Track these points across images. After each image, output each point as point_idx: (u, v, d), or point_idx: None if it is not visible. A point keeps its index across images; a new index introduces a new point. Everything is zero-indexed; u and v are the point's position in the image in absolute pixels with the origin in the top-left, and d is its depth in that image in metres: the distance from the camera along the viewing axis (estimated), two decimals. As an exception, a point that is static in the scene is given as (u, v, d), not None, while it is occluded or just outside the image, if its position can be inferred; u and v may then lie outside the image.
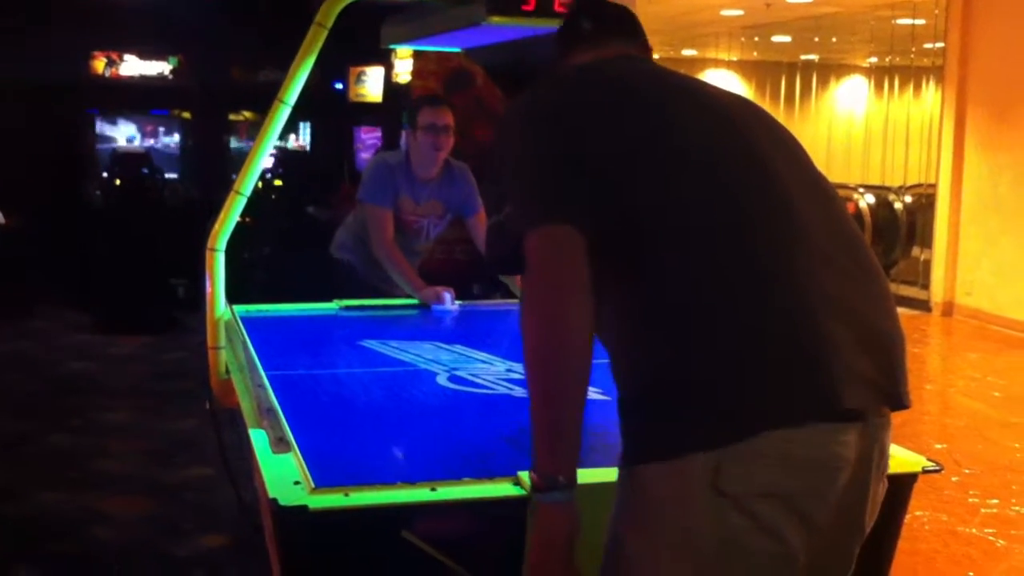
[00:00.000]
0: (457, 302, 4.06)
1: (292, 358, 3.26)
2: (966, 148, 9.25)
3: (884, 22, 12.85)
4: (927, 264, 9.75)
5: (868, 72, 17.65)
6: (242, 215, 3.60)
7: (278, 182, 9.98)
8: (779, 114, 17.26)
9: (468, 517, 2.00)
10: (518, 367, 3.04)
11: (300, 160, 11.03)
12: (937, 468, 2.23)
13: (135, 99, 11.02)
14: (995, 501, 4.52)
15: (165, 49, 11.06)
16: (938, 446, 5.27)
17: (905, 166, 11.88)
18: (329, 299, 4.07)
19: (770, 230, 1.66)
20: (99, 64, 10.95)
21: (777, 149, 1.79)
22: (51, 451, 5.09)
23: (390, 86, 10.44)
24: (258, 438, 2.31)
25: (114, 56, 10.95)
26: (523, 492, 1.93)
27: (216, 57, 11.29)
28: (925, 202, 10.29)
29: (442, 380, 2.94)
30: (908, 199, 10.90)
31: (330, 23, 3.45)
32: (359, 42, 5.35)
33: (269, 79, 10.36)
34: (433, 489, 1.98)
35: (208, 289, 3.51)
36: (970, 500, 4.52)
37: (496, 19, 3.03)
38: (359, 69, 11.83)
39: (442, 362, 3.14)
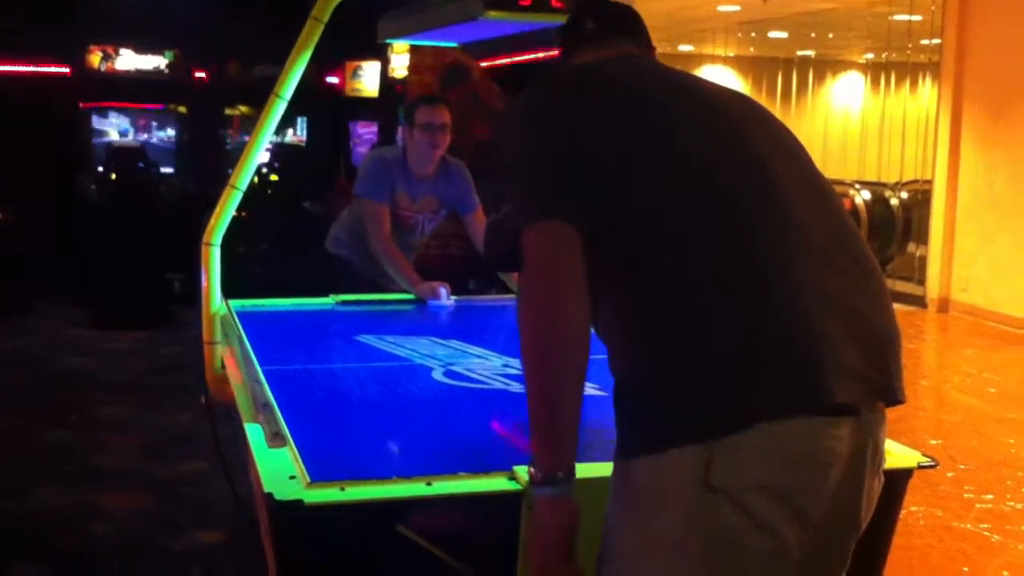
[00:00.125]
0: (453, 297, 4.06)
1: (288, 353, 3.26)
2: (962, 144, 9.26)
3: (881, 18, 12.86)
4: (923, 260, 9.76)
5: (864, 68, 17.67)
6: (238, 210, 3.59)
7: (274, 177, 9.96)
8: (775, 110, 17.27)
9: (463, 512, 2.00)
10: (514, 362, 3.04)
11: (296, 155, 11.01)
12: (932, 464, 2.24)
13: (131, 93, 10.99)
14: (990, 497, 4.53)
15: (161, 43, 11.04)
16: (933, 442, 5.28)
17: (901, 162, 11.89)
18: (325, 294, 4.07)
19: (767, 229, 1.66)
20: (95, 58, 10.92)
21: (776, 147, 1.80)
22: (48, 447, 5.09)
23: (386, 81, 10.43)
24: (254, 433, 2.31)
25: (110, 50, 10.92)
26: (518, 487, 1.93)
27: (212, 51, 11.28)
28: (921, 198, 10.30)
29: (438, 375, 2.94)
30: (904, 195, 10.91)
31: (326, 17, 3.45)
32: (355, 37, 5.34)
33: (265, 74, 10.34)
34: (429, 484, 1.98)
35: (204, 284, 3.51)
36: (965, 496, 4.53)
37: (493, 14, 3.03)
38: (355, 64, 11.82)
39: (438, 357, 3.14)
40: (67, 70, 10.90)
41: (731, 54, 17.54)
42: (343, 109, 11.87)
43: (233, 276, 3.67)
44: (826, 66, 18.01)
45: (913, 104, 13.11)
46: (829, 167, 15.19)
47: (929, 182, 9.81)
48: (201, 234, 3.52)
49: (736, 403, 1.56)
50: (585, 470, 1.73)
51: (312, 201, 9.45)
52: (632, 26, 2.01)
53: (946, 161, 9.36)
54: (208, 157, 11.23)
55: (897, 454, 2.20)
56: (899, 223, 10.68)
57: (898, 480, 2.16)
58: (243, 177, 3.54)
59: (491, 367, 3.02)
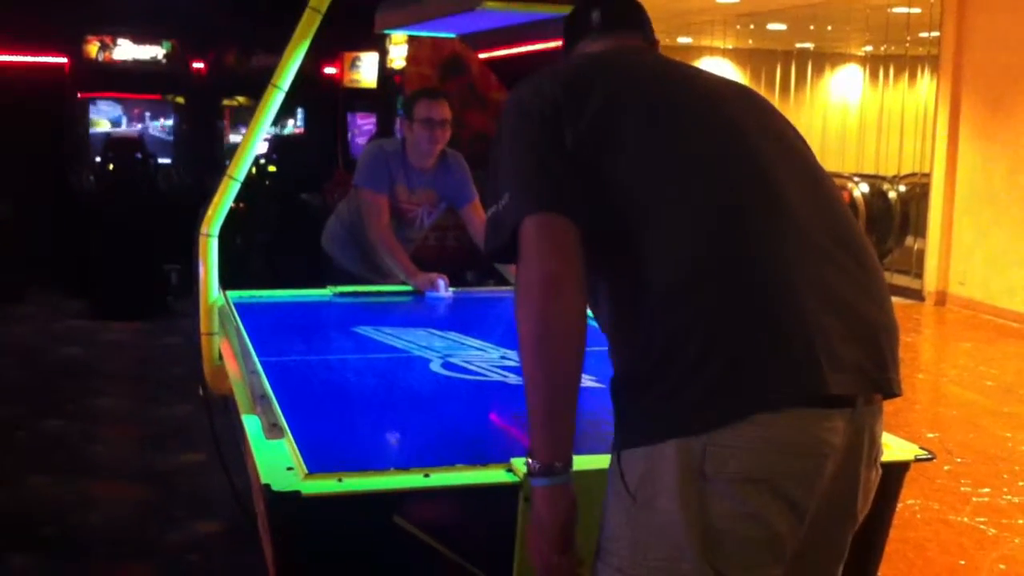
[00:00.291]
0: (451, 289, 4.06)
1: (286, 344, 3.26)
2: (960, 138, 9.26)
3: (879, 11, 12.84)
4: (921, 253, 9.76)
5: (863, 61, 17.64)
6: (236, 201, 3.59)
7: (272, 168, 9.93)
8: (774, 103, 17.25)
9: (461, 503, 2.00)
10: (512, 354, 3.04)
11: (294, 146, 10.98)
12: (929, 457, 2.24)
13: (128, 83, 10.95)
14: (986, 490, 4.54)
15: (159, 33, 11.00)
16: (930, 435, 5.29)
17: (899, 155, 11.89)
18: (323, 285, 4.07)
19: (762, 222, 1.66)
20: (92, 48, 10.88)
21: (775, 141, 1.80)
22: (44, 437, 5.09)
23: (384, 72, 10.40)
24: (251, 424, 2.30)
25: (107, 40, 10.89)
26: (516, 478, 1.93)
27: (210, 42, 11.25)
28: (919, 191, 10.30)
29: (435, 367, 2.94)
30: (902, 188, 10.91)
31: (324, 8, 3.44)
32: (353, 28, 5.33)
33: (263, 64, 10.31)
34: (426, 475, 1.98)
35: (201, 275, 3.50)
36: (962, 489, 4.53)
37: (491, 4, 3.02)
38: (353, 55, 11.78)
39: (436, 349, 3.14)
40: (64, 60, 10.86)
41: (730, 46, 17.52)
42: (341, 100, 11.84)
43: (231, 267, 3.66)
44: (825, 59, 17.99)
45: (911, 97, 13.09)
46: (827, 160, 15.16)
47: (927, 175, 9.81)
48: (199, 225, 3.51)
49: (730, 395, 1.56)
50: (583, 462, 1.73)
51: (310, 192, 9.43)
52: (637, 19, 2.02)
53: (944, 154, 9.36)
54: (206, 148, 11.20)
55: (894, 447, 2.20)
56: (897, 216, 10.68)
57: (895, 473, 2.16)
58: (241, 168, 3.54)
59: (489, 359, 3.02)
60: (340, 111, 11.86)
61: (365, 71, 11.76)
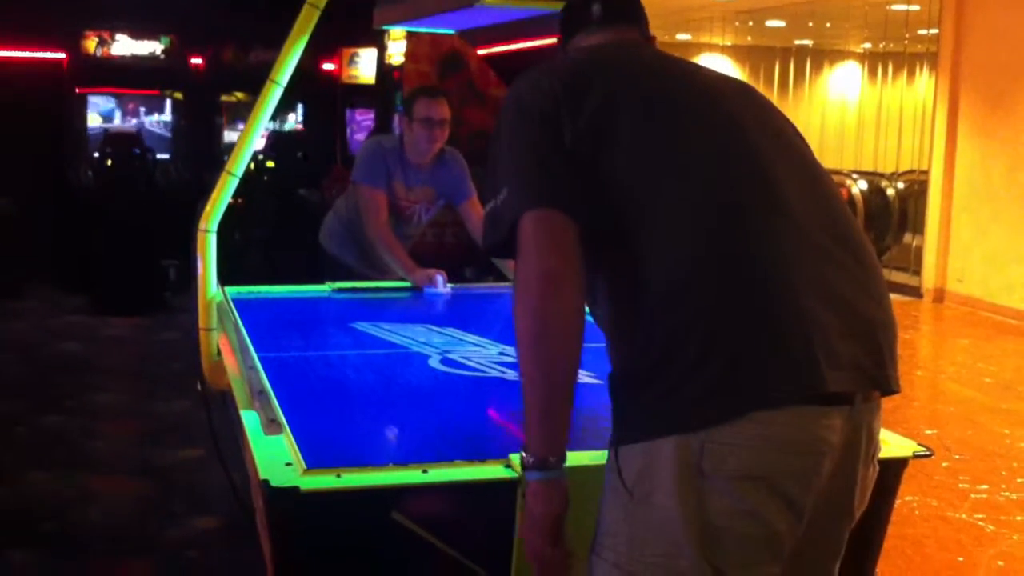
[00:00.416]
0: (449, 285, 4.06)
1: (284, 340, 3.26)
2: (959, 135, 9.26)
3: (878, 8, 12.83)
4: (919, 250, 9.76)
5: (862, 58, 17.64)
6: (234, 196, 3.58)
7: (270, 164, 9.93)
8: (772, 100, 17.22)
9: (459, 499, 2.01)
10: (510, 350, 3.04)
11: (292, 141, 10.98)
12: (927, 453, 2.24)
13: (127, 79, 10.95)
14: (985, 487, 4.54)
15: (157, 28, 10.99)
16: (928, 432, 5.29)
17: (898, 152, 11.89)
18: (321, 281, 4.07)
19: (760, 219, 1.66)
20: (91, 43, 10.88)
21: (773, 138, 1.80)
22: (43, 433, 5.08)
23: (383, 68, 10.39)
24: (250, 420, 2.30)
25: (106, 35, 10.88)
26: (514, 474, 1.93)
27: (208, 37, 11.24)
28: (918, 188, 10.30)
29: (434, 363, 2.94)
30: (900, 185, 10.91)
31: (323, 3, 3.43)
32: (352, 23, 5.33)
33: (261, 60, 10.31)
34: (424, 471, 1.98)
35: (199, 270, 3.50)
36: (960, 486, 4.54)
37: (490, 0, 3.02)
38: (352, 51, 11.77)
39: (434, 345, 3.14)
40: (62, 55, 10.85)
41: (728, 43, 17.51)
42: (340, 96, 11.84)
43: (229, 263, 3.66)
44: (823, 56, 17.98)
45: (910, 94, 13.10)
46: (826, 157, 15.17)
47: (925, 172, 9.81)
48: (197, 221, 3.51)
49: (729, 392, 1.56)
50: (580, 457, 1.73)
51: (308, 188, 9.43)
52: (635, 12, 2.01)
53: (942, 151, 9.36)
54: (204, 143, 11.19)
55: (892, 444, 2.20)
56: (895, 213, 10.68)
57: (893, 470, 2.16)
58: (239, 163, 3.53)
59: (487, 355, 3.02)
60: (339, 107, 11.86)
61: (364, 67, 11.76)
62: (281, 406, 2.32)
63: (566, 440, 1.65)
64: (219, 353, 3.37)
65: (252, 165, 8.59)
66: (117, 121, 10.95)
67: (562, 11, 2.05)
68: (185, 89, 11.24)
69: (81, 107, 10.87)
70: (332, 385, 2.82)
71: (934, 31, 10.04)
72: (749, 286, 1.61)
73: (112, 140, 9.41)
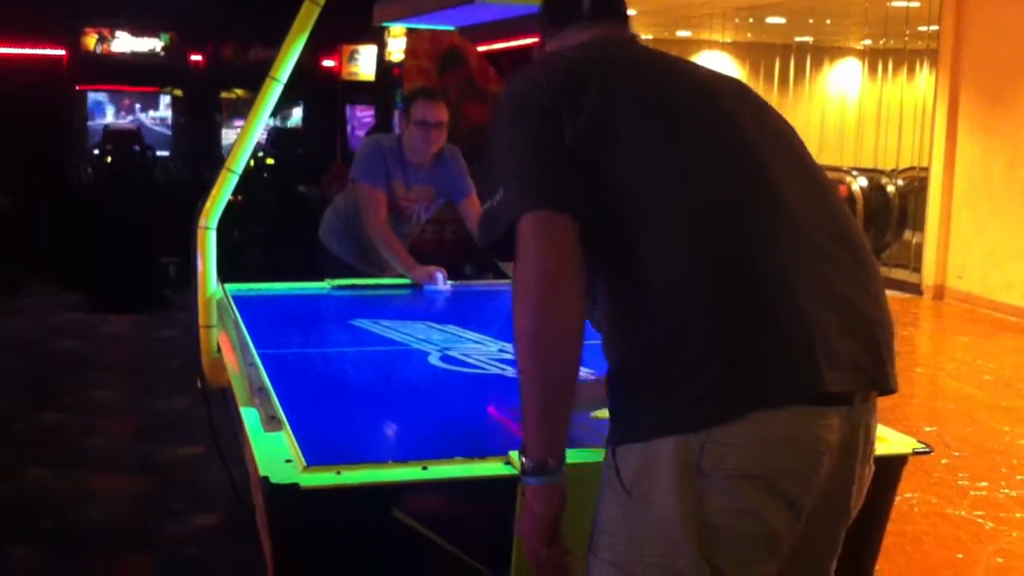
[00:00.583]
0: (449, 282, 4.06)
1: (284, 337, 3.26)
2: (959, 132, 9.25)
3: (878, 5, 12.83)
4: (919, 247, 9.76)
5: (862, 55, 17.64)
6: (234, 193, 3.58)
7: (270, 161, 9.92)
8: (772, 96, 17.30)
9: (459, 496, 2.01)
10: (510, 347, 3.04)
11: (292, 138, 10.96)
12: (927, 450, 2.24)
13: (126, 75, 10.93)
14: (984, 484, 4.54)
15: (157, 25, 10.98)
16: (928, 429, 5.29)
17: (898, 149, 11.89)
18: (321, 278, 4.07)
19: (758, 217, 1.66)
20: (90, 40, 10.86)
21: (769, 135, 1.80)
22: (42, 430, 5.08)
23: (383, 65, 10.38)
24: (249, 416, 2.31)
25: (105, 32, 10.86)
26: (514, 471, 1.93)
27: (208, 34, 11.23)
28: (918, 185, 10.30)
29: (434, 360, 2.94)
30: (900, 182, 10.91)
31: (323, 0, 3.43)
32: (352, 20, 5.32)
33: (262, 57, 10.30)
34: (424, 468, 1.98)
35: (199, 267, 3.50)
36: (959, 483, 4.54)
37: (489, -3, 3.02)
38: (352, 47, 11.76)
39: (434, 342, 3.14)
40: (62, 52, 10.84)
41: (728, 40, 17.51)
42: (340, 93, 11.83)
43: (229, 260, 3.66)
44: (823, 52, 17.98)
45: (910, 91, 13.10)
46: (826, 153, 15.17)
47: (925, 169, 9.81)
48: (197, 217, 3.51)
49: (730, 392, 1.56)
50: (577, 455, 1.73)
51: (308, 185, 9.42)
52: (622, 8, 2.00)
53: (942, 148, 9.36)
54: (204, 140, 11.19)
55: (892, 441, 2.20)
56: (895, 210, 10.68)
57: (892, 467, 2.16)
58: (239, 160, 3.53)
59: (487, 352, 3.02)
60: (339, 104, 11.85)
61: (364, 64, 11.75)
62: (281, 403, 2.33)
63: (565, 442, 1.64)
64: (219, 350, 3.37)
65: (252, 162, 8.58)
66: (110, 117, 10.93)
67: (548, 4, 2.01)
68: (185, 86, 11.22)
69: (81, 104, 10.86)
70: (332, 382, 2.82)
71: (934, 28, 10.04)
72: (749, 286, 1.60)
73: (112, 137, 9.39)
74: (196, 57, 11.41)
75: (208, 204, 3.51)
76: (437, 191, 4.35)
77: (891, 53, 15.02)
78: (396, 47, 9.93)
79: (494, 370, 2.83)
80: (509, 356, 2.95)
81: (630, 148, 1.69)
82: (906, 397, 5.89)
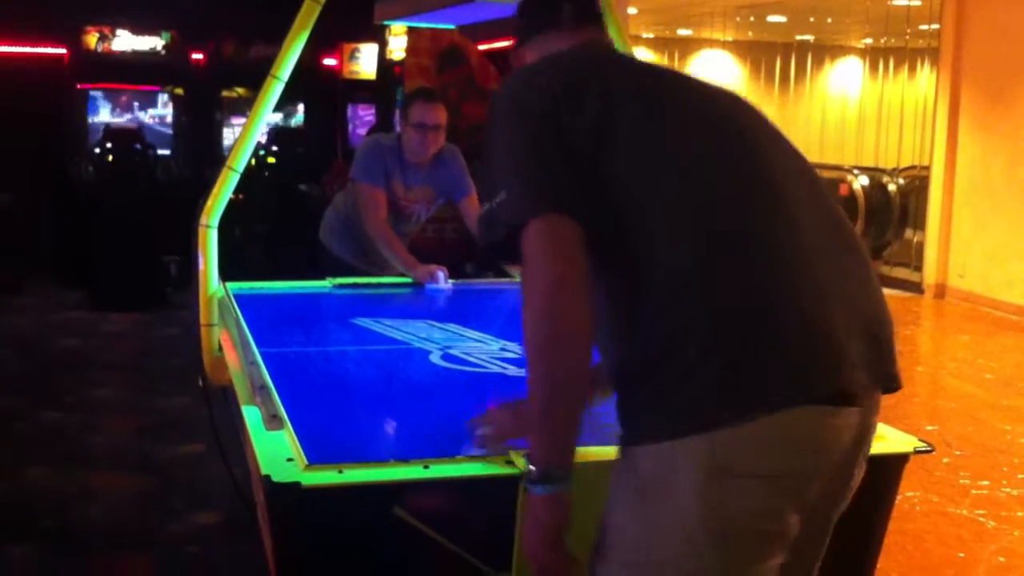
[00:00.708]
0: (450, 281, 4.06)
1: (285, 336, 3.26)
2: (960, 130, 9.25)
3: (879, 3, 12.84)
4: (920, 246, 9.76)
5: (863, 53, 17.63)
6: (235, 192, 3.58)
7: (271, 159, 9.92)
8: (774, 95, 17.30)
9: (460, 495, 2.00)
10: (511, 346, 3.04)
11: (293, 137, 10.96)
12: (928, 449, 2.24)
13: (127, 74, 10.93)
14: (985, 483, 4.54)
15: (158, 24, 10.98)
16: (929, 428, 5.29)
17: (899, 148, 11.89)
18: (322, 277, 4.07)
19: (763, 221, 1.66)
20: (91, 39, 10.86)
21: (769, 140, 1.80)
22: (43, 428, 5.09)
23: (384, 63, 10.38)
24: (251, 415, 2.30)
25: (106, 31, 10.86)
26: (515, 470, 1.93)
27: (209, 33, 11.22)
28: (919, 184, 10.30)
29: (435, 358, 2.94)
30: (902, 181, 10.91)
31: (324, -1, 3.43)
32: (353, 19, 5.32)
33: (263, 55, 10.29)
34: (426, 467, 1.98)
35: (201, 266, 3.50)
36: (961, 481, 4.54)
37: (491, -4, 3.01)
38: (353, 46, 11.76)
39: (435, 340, 3.14)
40: (63, 51, 10.85)
41: (729, 38, 17.50)
42: (341, 91, 11.83)
43: (229, 258, 3.66)
44: (824, 51, 17.97)
45: (911, 89, 13.09)
46: (827, 152, 15.17)
47: (927, 168, 9.81)
48: (198, 216, 3.51)
49: (740, 387, 1.55)
50: (579, 454, 1.72)
51: (309, 183, 9.42)
52: (599, 12, 2.00)
53: (944, 147, 9.35)
54: (205, 139, 11.18)
55: (893, 440, 2.20)
56: (896, 209, 10.68)
57: (894, 465, 2.16)
58: (240, 159, 3.53)
59: (488, 351, 3.02)
60: (340, 102, 11.85)
61: (365, 62, 11.75)
62: (282, 402, 2.33)
63: (574, 449, 1.62)
64: (220, 349, 3.37)
65: (253, 161, 8.58)
66: (105, 116, 10.92)
67: (523, 10, 2.01)
68: (186, 85, 11.22)
69: (82, 103, 10.86)
70: (333, 381, 2.82)
71: (935, 26, 10.04)
72: (762, 285, 1.60)
73: (113, 136, 9.39)
74: (197, 56, 11.41)
75: (209, 203, 3.50)
76: (437, 191, 4.35)
77: (892, 52, 15.02)
78: (397, 45, 9.93)
79: (495, 369, 2.83)
80: (510, 355, 2.95)
81: (630, 148, 1.69)
82: (907, 396, 5.89)
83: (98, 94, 11.04)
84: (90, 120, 10.86)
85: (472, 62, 8.88)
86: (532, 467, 1.61)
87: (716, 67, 17.52)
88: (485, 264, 5.99)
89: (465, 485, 1.98)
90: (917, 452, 2.22)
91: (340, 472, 1.92)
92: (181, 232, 3.89)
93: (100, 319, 7.53)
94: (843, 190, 10.52)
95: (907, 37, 12.80)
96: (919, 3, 11.51)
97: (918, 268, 9.68)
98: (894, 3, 12.52)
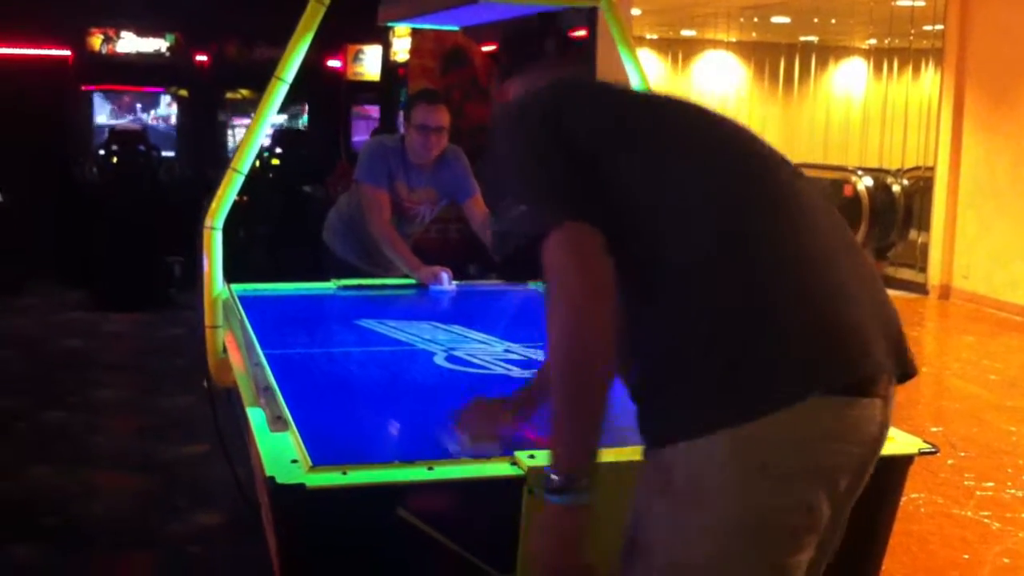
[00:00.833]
0: (454, 282, 4.06)
1: (290, 337, 3.26)
2: (964, 131, 9.24)
3: (883, 4, 12.83)
4: (924, 247, 9.74)
5: (867, 54, 17.61)
6: (239, 194, 3.58)
7: (275, 161, 9.94)
8: (777, 96, 17.30)
9: (464, 496, 2.01)
10: (515, 347, 3.04)
11: (297, 138, 10.98)
12: (933, 450, 2.24)
13: (132, 76, 10.96)
14: (990, 484, 4.53)
15: (162, 26, 11.01)
16: (934, 429, 5.28)
17: (903, 149, 11.87)
18: (326, 278, 4.07)
19: (782, 212, 1.70)
20: (96, 41, 10.89)
21: (768, 152, 1.83)
22: (46, 428, 5.09)
23: (388, 65, 10.40)
24: (256, 416, 2.31)
25: (111, 33, 10.89)
26: (520, 472, 1.94)
27: (213, 34, 11.25)
28: (923, 185, 10.28)
29: (439, 360, 2.94)
30: (906, 182, 10.89)
31: (328, 0, 3.43)
32: (357, 20, 5.33)
33: (267, 57, 10.31)
34: (430, 468, 1.98)
35: (205, 268, 3.50)
36: (965, 483, 4.53)
37: (494, -3, 3.02)
38: (357, 47, 11.78)
39: (439, 342, 3.14)
40: (68, 53, 10.88)
41: (733, 39, 17.49)
42: (344, 93, 11.85)
43: (233, 260, 3.66)
44: (828, 52, 17.96)
45: (915, 90, 13.09)
46: (831, 153, 15.17)
47: (931, 169, 9.80)
48: (203, 218, 3.51)
49: (774, 381, 1.56)
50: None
51: (313, 185, 9.44)
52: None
53: (948, 148, 9.34)
54: (208, 140, 11.21)
55: (898, 441, 2.19)
56: (901, 210, 10.65)
57: (899, 466, 2.16)
58: (245, 160, 3.53)
59: (492, 352, 3.02)
60: (344, 104, 11.87)
61: (369, 64, 11.77)
62: (287, 403, 2.33)
63: (596, 457, 1.60)
64: (225, 350, 3.37)
65: (257, 162, 8.60)
66: (110, 117, 10.95)
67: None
68: (190, 86, 11.25)
69: (86, 104, 10.89)
70: (337, 382, 2.82)
71: (939, 27, 10.02)
72: (794, 279, 1.62)
73: (117, 137, 9.41)
74: (201, 57, 11.43)
75: (214, 204, 3.50)
76: (440, 192, 4.35)
77: (896, 52, 15.01)
78: (401, 47, 9.95)
79: (499, 370, 2.83)
80: (514, 356, 2.95)
81: (635, 150, 1.71)
82: (912, 397, 5.88)
83: (102, 96, 11.06)
84: (94, 121, 10.89)
85: (475, 63, 8.89)
86: (554, 476, 1.58)
87: (720, 68, 17.52)
88: (489, 265, 5.99)
89: (469, 487, 1.98)
90: (922, 453, 2.22)
91: (344, 473, 1.93)
92: (185, 233, 3.89)
93: (102, 319, 7.54)
94: (847, 191, 10.51)
95: (911, 38, 12.79)
96: (923, 4, 11.51)
97: (922, 269, 9.67)
98: (898, 4, 12.51)
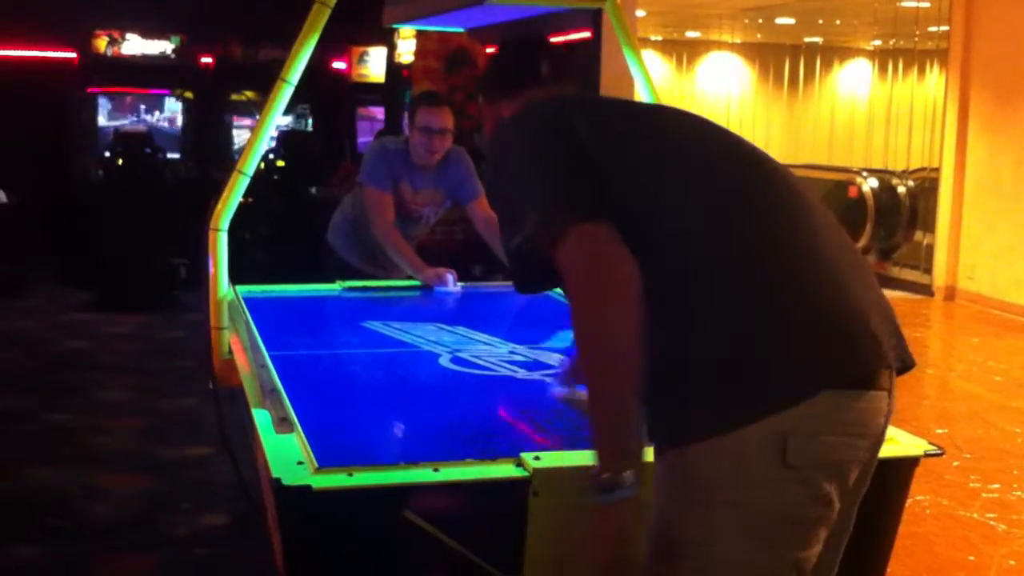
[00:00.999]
0: (459, 283, 4.06)
1: (295, 339, 3.26)
2: (969, 132, 9.23)
3: (888, 5, 12.81)
4: (929, 248, 9.73)
5: (872, 55, 17.60)
6: (244, 195, 3.58)
7: (280, 163, 9.95)
8: (782, 97, 17.29)
9: (470, 498, 2.01)
10: (520, 348, 3.04)
11: (303, 140, 11.00)
12: (938, 452, 2.24)
13: (137, 78, 10.99)
14: (996, 486, 4.53)
15: (167, 28, 11.03)
16: (939, 431, 5.28)
17: (908, 150, 11.86)
18: (331, 280, 4.07)
19: (782, 213, 1.72)
20: (101, 43, 10.91)
21: (765, 160, 1.85)
22: (50, 429, 5.10)
23: (393, 66, 10.41)
24: (261, 418, 2.31)
25: (116, 35, 10.91)
26: (525, 473, 1.94)
27: (218, 37, 11.26)
28: (928, 186, 10.28)
29: (444, 361, 2.94)
30: (911, 183, 10.89)
31: (333, 2, 3.43)
32: (361, 22, 5.33)
33: (271, 59, 10.33)
34: (436, 470, 1.98)
35: (211, 269, 3.50)
36: (971, 485, 4.52)
37: (498, -1, 3.02)
38: (361, 49, 11.80)
39: (444, 343, 3.14)
40: (73, 55, 10.90)
41: (738, 40, 17.49)
42: (349, 94, 11.86)
43: (238, 261, 3.66)
44: (833, 53, 17.95)
45: (920, 91, 13.07)
46: (836, 154, 15.17)
47: (936, 170, 9.78)
48: (208, 220, 3.51)
49: (793, 378, 1.58)
50: (577, 456, 1.72)
51: (318, 186, 9.45)
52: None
53: (953, 149, 9.33)
54: (213, 142, 11.22)
55: (903, 443, 2.19)
56: (906, 211, 10.65)
57: (904, 468, 2.16)
58: (250, 162, 3.53)
59: (497, 354, 3.02)
60: (349, 105, 11.88)
61: (373, 65, 11.78)
62: (292, 404, 2.33)
63: (639, 455, 1.61)
64: (230, 352, 3.38)
65: (262, 164, 8.61)
66: (116, 119, 10.97)
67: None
68: (195, 88, 11.26)
69: (91, 106, 10.91)
70: (343, 384, 2.82)
71: (944, 28, 10.01)
72: (796, 272, 1.65)
73: (122, 139, 9.42)
74: (206, 59, 11.45)
75: (220, 206, 3.51)
76: (444, 194, 4.34)
77: (901, 53, 14.99)
78: (406, 49, 9.96)
79: (504, 371, 2.83)
80: (519, 357, 2.95)
81: (637, 155, 1.73)
82: (917, 398, 5.87)
83: (107, 98, 11.08)
84: (99, 123, 10.91)
85: (479, 64, 8.90)
86: (607, 476, 1.57)
87: (725, 69, 17.52)
88: (494, 266, 5.99)
89: (475, 488, 1.98)
90: (927, 455, 2.21)
91: (350, 475, 1.93)
92: (190, 235, 3.90)
93: (106, 321, 7.55)
94: (852, 192, 10.51)
95: (916, 39, 12.77)
96: (928, 5, 11.49)
97: (927, 270, 9.66)
98: (903, 5, 12.50)
